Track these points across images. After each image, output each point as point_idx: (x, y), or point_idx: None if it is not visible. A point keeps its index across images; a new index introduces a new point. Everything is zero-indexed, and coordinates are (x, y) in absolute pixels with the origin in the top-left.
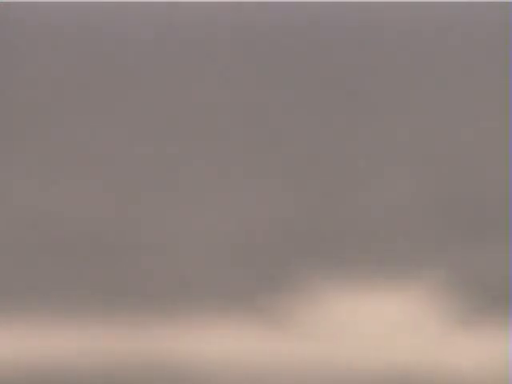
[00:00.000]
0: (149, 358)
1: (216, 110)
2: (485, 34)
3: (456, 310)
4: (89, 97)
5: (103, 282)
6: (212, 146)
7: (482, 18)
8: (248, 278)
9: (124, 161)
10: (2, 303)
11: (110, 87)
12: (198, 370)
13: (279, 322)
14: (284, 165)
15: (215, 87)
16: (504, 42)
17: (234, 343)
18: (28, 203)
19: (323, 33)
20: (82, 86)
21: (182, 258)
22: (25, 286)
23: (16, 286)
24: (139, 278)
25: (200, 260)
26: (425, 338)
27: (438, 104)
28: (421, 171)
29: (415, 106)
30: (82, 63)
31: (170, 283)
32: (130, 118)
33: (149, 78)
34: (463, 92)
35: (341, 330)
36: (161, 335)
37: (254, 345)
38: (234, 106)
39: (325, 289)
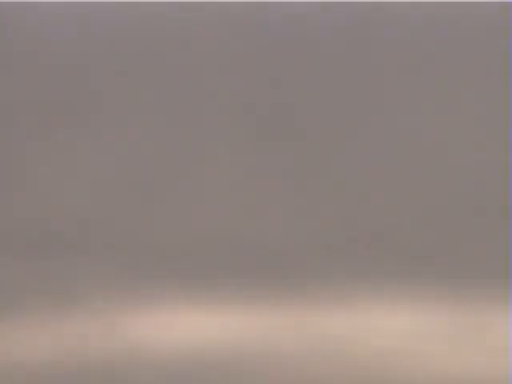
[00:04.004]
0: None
1: (216, 110)
2: (485, 34)
3: None
4: (89, 96)
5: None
6: (211, 146)
7: (482, 18)
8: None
9: (123, 160)
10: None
11: (110, 87)
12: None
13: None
14: (280, 166)
15: (215, 87)
16: (504, 41)
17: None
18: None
19: (324, 33)
20: (82, 86)
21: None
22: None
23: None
24: None
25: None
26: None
27: (438, 104)
28: (421, 171)
29: (415, 106)
30: (82, 63)
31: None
32: (130, 117)
33: (149, 78)
34: (463, 92)
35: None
36: None
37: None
38: (234, 105)
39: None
